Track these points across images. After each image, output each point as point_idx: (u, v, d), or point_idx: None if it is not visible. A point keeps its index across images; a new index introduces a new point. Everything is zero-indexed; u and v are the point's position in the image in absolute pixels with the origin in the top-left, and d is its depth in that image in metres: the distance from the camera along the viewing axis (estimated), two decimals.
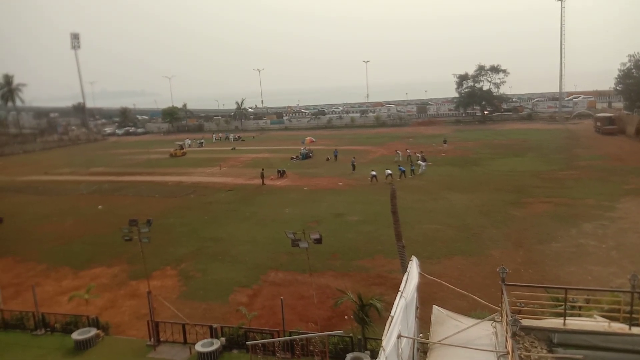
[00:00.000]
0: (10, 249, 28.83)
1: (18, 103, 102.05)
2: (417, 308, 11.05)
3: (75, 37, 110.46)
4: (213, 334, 16.38)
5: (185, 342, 16.79)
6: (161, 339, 16.97)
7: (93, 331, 17.20)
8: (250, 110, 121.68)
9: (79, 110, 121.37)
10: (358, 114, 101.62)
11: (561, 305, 10.27)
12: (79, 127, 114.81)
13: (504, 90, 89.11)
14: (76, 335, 16.98)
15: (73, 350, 16.86)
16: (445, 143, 57.00)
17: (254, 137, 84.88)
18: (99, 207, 38.18)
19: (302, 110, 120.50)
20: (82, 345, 16.79)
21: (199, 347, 15.66)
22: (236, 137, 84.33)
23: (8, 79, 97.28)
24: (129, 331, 18.37)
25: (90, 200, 41.14)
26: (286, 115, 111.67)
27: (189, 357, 16.11)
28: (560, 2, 79.56)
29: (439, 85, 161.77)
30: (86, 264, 25.51)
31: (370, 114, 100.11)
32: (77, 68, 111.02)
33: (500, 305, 10.31)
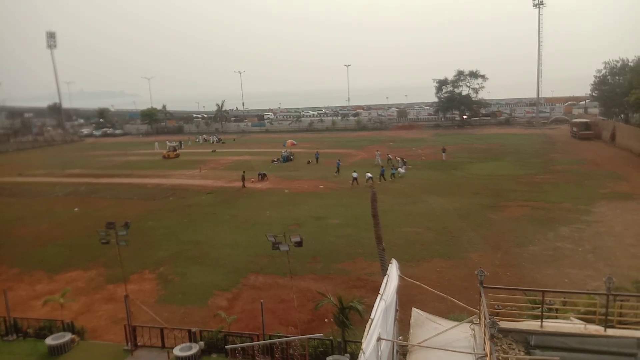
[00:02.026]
0: None
1: None
2: (396, 311, 11.07)
3: (51, 35, 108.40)
4: (192, 338, 16.19)
5: (163, 347, 16.54)
6: (138, 344, 16.70)
7: (68, 336, 16.81)
8: (236, 109, 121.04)
9: (55, 110, 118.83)
10: (339, 117, 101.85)
11: (538, 308, 10.39)
12: (55, 128, 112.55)
13: (483, 95, 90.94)
14: (50, 341, 16.56)
15: (47, 355, 16.44)
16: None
17: (234, 140, 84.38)
18: (75, 209, 37.43)
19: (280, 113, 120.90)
20: (56, 351, 16.39)
21: (177, 352, 15.43)
22: (217, 139, 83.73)
23: None
24: (106, 336, 18.01)
25: (66, 202, 40.28)
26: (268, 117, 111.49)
27: None
28: (538, 9, 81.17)
29: (419, 90, 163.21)
30: (62, 268, 24.93)
31: (352, 118, 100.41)
32: (54, 67, 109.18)
33: (478, 307, 10.40)
